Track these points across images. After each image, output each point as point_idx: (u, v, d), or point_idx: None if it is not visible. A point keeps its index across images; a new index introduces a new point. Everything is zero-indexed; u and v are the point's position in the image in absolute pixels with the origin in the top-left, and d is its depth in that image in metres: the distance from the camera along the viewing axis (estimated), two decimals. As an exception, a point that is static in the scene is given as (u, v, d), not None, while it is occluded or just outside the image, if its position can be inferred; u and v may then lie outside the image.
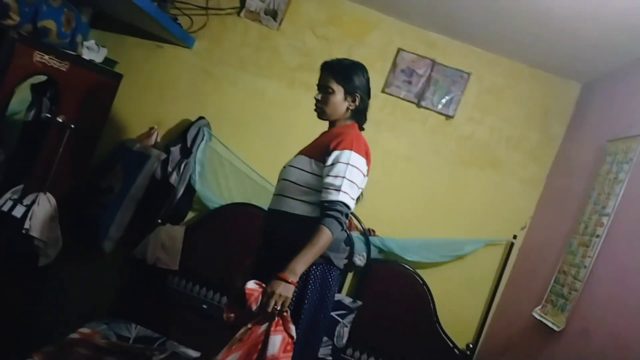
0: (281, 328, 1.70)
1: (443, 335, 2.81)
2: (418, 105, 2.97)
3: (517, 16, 2.40)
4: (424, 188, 2.97)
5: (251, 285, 1.73)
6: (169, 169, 2.81)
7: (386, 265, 2.87)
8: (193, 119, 2.94)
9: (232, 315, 1.85)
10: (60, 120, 2.43)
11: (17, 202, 2.33)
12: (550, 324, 2.19)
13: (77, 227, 2.74)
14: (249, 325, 1.72)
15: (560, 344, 2.11)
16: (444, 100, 2.96)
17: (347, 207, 1.78)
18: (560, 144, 2.93)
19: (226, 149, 2.96)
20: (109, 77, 2.81)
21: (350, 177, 1.78)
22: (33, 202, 2.38)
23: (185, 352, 2.64)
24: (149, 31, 2.96)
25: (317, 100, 1.99)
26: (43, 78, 2.31)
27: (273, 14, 3.01)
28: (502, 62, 2.96)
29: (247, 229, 2.57)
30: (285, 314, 1.71)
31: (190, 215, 2.98)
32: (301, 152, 1.98)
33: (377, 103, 2.94)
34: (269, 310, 1.68)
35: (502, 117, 2.97)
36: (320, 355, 2.64)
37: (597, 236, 2.12)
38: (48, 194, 2.46)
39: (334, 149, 1.82)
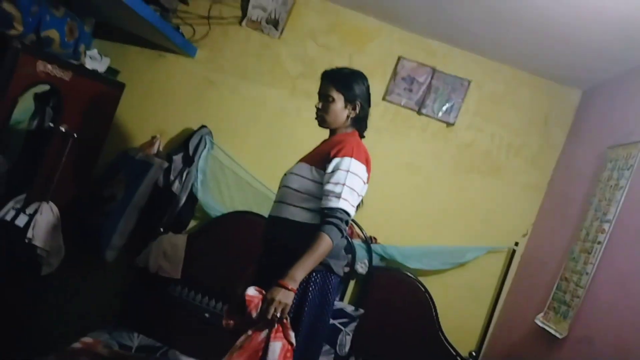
0: (281, 335, 1.70)
1: (445, 343, 2.80)
2: (419, 112, 2.98)
3: (517, 24, 2.41)
4: (426, 195, 2.98)
5: (251, 291, 1.73)
6: (171, 177, 2.82)
7: (388, 273, 2.87)
8: (195, 128, 2.95)
9: (232, 321, 1.85)
10: (62, 129, 2.45)
11: (20, 211, 2.34)
12: (552, 331, 2.19)
13: (80, 236, 2.75)
14: (249, 332, 1.72)
15: (563, 351, 2.11)
16: (444, 108, 2.97)
17: (347, 214, 1.79)
18: (561, 151, 2.93)
19: (228, 157, 2.97)
20: (112, 86, 2.83)
21: (350, 184, 1.79)
22: (36, 211, 2.39)
23: (187, 360, 2.65)
24: (151, 40, 2.98)
25: (317, 108, 2.00)
26: (46, 87, 2.33)
27: (274, 23, 3.03)
28: (502, 70, 2.98)
29: (249, 237, 2.57)
30: (285, 320, 1.71)
31: (193, 223, 2.99)
32: (302, 160, 1.99)
33: (378, 111, 2.95)
34: (269, 317, 1.68)
35: (503, 124, 2.98)
36: (322, 363, 2.64)
37: (599, 243, 2.12)
38: (51, 203, 2.47)
39: (335, 156, 1.83)
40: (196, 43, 3.04)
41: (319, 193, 1.84)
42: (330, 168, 1.82)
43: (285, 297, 1.69)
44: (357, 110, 1.99)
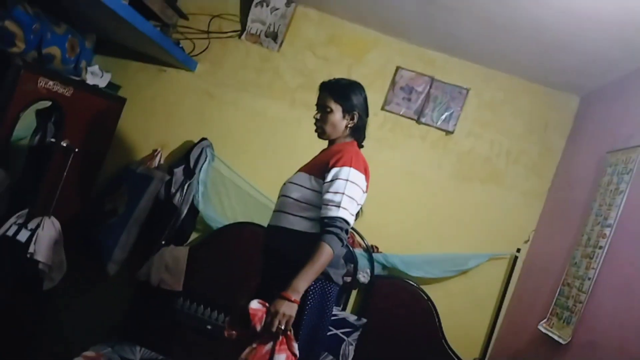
0: (285, 347, 1.70)
1: (449, 351, 2.79)
2: (418, 121, 3.00)
3: (514, 32, 2.43)
4: (427, 204, 2.98)
5: (255, 305, 1.73)
6: (173, 190, 2.84)
7: (390, 281, 2.87)
8: (196, 140, 2.98)
9: (234, 332, 1.86)
10: (64, 144, 2.47)
11: (22, 226, 2.35)
12: (556, 337, 2.18)
13: (82, 251, 2.76)
14: (254, 345, 1.72)
15: (567, 357, 2.09)
16: (443, 116, 2.98)
17: (347, 223, 1.80)
18: (561, 157, 2.94)
19: (229, 169, 2.98)
20: (113, 101, 2.86)
21: (349, 193, 1.80)
22: (38, 226, 2.40)
23: (191, 373, 2.64)
24: (152, 55, 3.02)
25: (316, 119, 2.02)
26: (48, 103, 2.36)
27: (273, 36, 3.07)
28: (500, 78, 3.00)
29: (251, 248, 2.58)
30: (289, 333, 1.71)
31: (194, 235, 3.00)
32: (301, 169, 2.00)
33: (378, 120, 2.97)
34: (274, 330, 1.68)
35: (502, 132, 2.99)
36: (326, 374, 2.63)
37: (600, 247, 2.12)
38: (52, 218, 2.48)
39: (333, 165, 1.84)
40: (196, 57, 3.07)
41: (318, 202, 1.85)
42: (329, 177, 1.83)
43: (289, 309, 1.69)
44: (356, 120, 2.00)
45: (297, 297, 1.71)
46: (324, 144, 2.08)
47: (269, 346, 1.70)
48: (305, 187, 1.89)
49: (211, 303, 2.82)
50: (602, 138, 2.53)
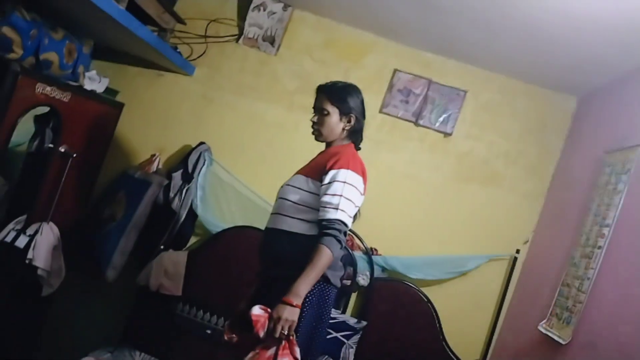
0: (288, 352, 1.71)
1: (450, 353, 2.78)
2: (416, 124, 3.00)
3: (511, 34, 2.44)
4: (426, 206, 2.98)
5: (257, 311, 1.73)
6: (171, 194, 2.84)
7: (390, 284, 2.86)
8: (194, 145, 2.98)
9: (234, 335, 1.85)
10: (62, 150, 2.47)
11: (20, 232, 2.35)
12: (556, 338, 2.17)
13: (81, 256, 2.76)
14: (257, 350, 1.73)
15: (568, 357, 2.09)
16: (441, 119, 2.99)
17: (345, 225, 1.80)
18: (559, 158, 2.94)
19: (227, 173, 2.99)
20: (111, 106, 2.86)
21: (347, 195, 1.80)
22: (36, 232, 2.40)
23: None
24: (149, 60, 3.02)
25: (313, 122, 2.03)
26: (46, 109, 2.36)
27: (271, 40, 3.07)
28: (497, 79, 3.00)
29: (250, 252, 2.56)
30: (291, 337, 1.71)
31: (193, 240, 3.00)
32: (298, 172, 2.01)
33: (376, 123, 2.98)
34: (277, 335, 1.69)
35: (500, 133, 2.99)
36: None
37: (599, 247, 2.12)
38: (51, 224, 2.48)
39: (331, 168, 1.85)
40: (194, 62, 3.08)
41: (315, 204, 1.85)
42: (326, 179, 1.84)
43: (292, 314, 1.69)
44: (352, 123, 2.01)
45: (298, 301, 1.71)
46: (322, 146, 2.09)
47: (271, 351, 1.70)
48: (302, 190, 1.90)
49: (211, 307, 2.82)
50: (599, 138, 2.54)
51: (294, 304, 1.70)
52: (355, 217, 1.92)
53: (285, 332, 1.69)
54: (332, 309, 2.07)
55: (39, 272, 2.42)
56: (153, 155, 3.00)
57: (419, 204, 2.99)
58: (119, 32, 2.43)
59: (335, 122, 1.98)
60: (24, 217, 2.38)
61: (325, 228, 1.78)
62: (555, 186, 2.89)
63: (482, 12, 2.32)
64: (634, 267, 1.90)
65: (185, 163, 2.89)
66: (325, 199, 1.81)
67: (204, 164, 2.91)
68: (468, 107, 3.00)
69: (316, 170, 1.91)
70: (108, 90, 2.86)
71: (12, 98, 2.08)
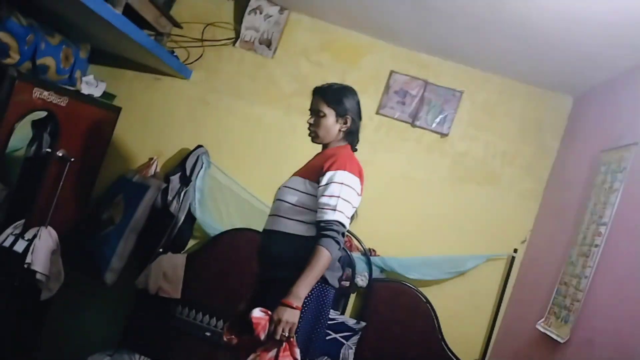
0: (288, 353, 1.72)
1: (449, 353, 2.79)
2: (412, 125, 3.01)
3: (506, 34, 2.45)
4: (423, 206, 2.99)
5: (257, 313, 1.74)
6: (169, 197, 2.84)
7: (388, 284, 2.87)
8: (192, 148, 2.98)
9: (233, 337, 1.86)
10: (60, 154, 2.47)
11: (19, 237, 2.35)
12: (554, 336, 2.18)
13: (79, 260, 2.76)
14: (257, 352, 1.74)
15: (566, 355, 2.10)
16: (437, 119, 3.00)
17: (343, 226, 1.81)
18: (555, 157, 2.96)
19: (225, 176, 2.99)
20: (108, 110, 2.86)
21: (344, 196, 1.81)
22: (34, 236, 2.39)
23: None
24: (146, 64, 3.03)
25: (310, 124, 2.04)
26: (43, 114, 2.36)
27: (267, 43, 3.08)
28: (493, 80, 3.01)
29: (249, 254, 2.58)
30: (292, 339, 1.72)
31: (192, 242, 3.00)
32: (296, 173, 2.02)
33: (372, 124, 2.99)
34: (278, 337, 1.69)
35: (497, 133, 3.00)
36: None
37: (596, 246, 2.13)
38: (49, 228, 2.48)
39: (328, 169, 1.85)
40: (191, 65, 3.08)
41: (313, 205, 1.86)
42: (324, 181, 1.84)
43: (292, 316, 1.70)
44: (349, 124, 2.02)
45: (298, 303, 1.72)
46: (319, 148, 2.10)
47: (272, 353, 1.71)
48: (300, 191, 1.90)
49: (210, 309, 2.82)
50: (595, 137, 2.55)
51: (294, 306, 1.71)
52: (352, 218, 1.92)
53: (286, 334, 1.69)
54: (331, 310, 2.07)
55: (38, 276, 2.42)
56: (151, 159, 3.00)
57: (417, 204, 2.99)
58: (116, 37, 2.44)
59: (332, 124, 1.99)
60: (22, 221, 2.38)
61: (323, 229, 1.78)
62: (552, 185, 2.91)
63: (477, 13, 2.33)
64: (631, 264, 1.91)
65: (183, 166, 2.90)
66: (323, 200, 1.81)
67: (201, 167, 2.92)
68: (464, 107, 3.01)
69: (313, 172, 1.91)
70: (105, 94, 2.86)
71: (9, 103, 2.08)
